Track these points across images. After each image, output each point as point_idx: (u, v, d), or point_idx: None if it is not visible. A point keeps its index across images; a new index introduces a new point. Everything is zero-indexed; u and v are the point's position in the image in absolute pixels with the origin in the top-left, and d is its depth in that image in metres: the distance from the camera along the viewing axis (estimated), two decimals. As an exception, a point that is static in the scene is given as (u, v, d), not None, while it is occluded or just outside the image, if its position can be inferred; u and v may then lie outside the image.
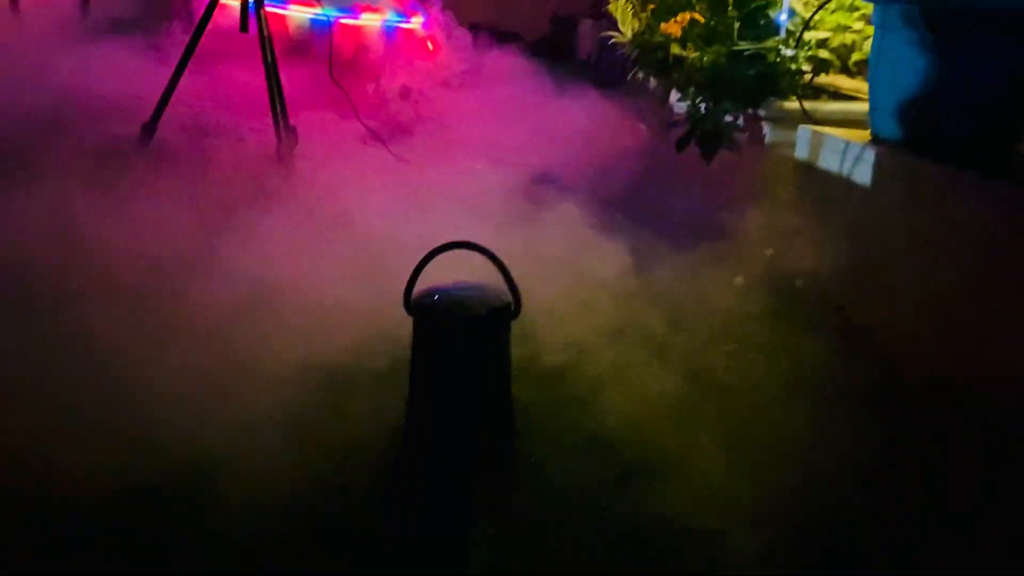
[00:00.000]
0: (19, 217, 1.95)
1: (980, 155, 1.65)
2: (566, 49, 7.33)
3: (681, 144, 2.24)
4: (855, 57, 2.46)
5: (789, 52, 2.15)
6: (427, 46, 5.14)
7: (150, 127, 2.76)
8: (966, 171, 1.58)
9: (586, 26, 7.18)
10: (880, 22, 1.85)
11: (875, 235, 1.79)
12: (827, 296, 1.88)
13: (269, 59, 2.76)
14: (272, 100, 2.75)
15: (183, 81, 2.76)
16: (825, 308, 1.87)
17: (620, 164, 2.63)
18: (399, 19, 4.85)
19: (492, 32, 7.55)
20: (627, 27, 2.74)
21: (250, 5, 2.79)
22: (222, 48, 3.23)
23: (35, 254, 1.78)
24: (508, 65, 5.67)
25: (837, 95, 2.39)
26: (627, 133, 3.21)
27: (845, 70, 2.61)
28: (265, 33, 2.78)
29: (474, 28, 7.64)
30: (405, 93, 4.33)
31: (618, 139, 3.06)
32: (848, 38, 2.40)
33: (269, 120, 2.73)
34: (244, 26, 2.80)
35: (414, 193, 2.53)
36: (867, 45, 2.49)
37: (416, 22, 4.96)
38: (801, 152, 2.07)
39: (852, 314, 1.83)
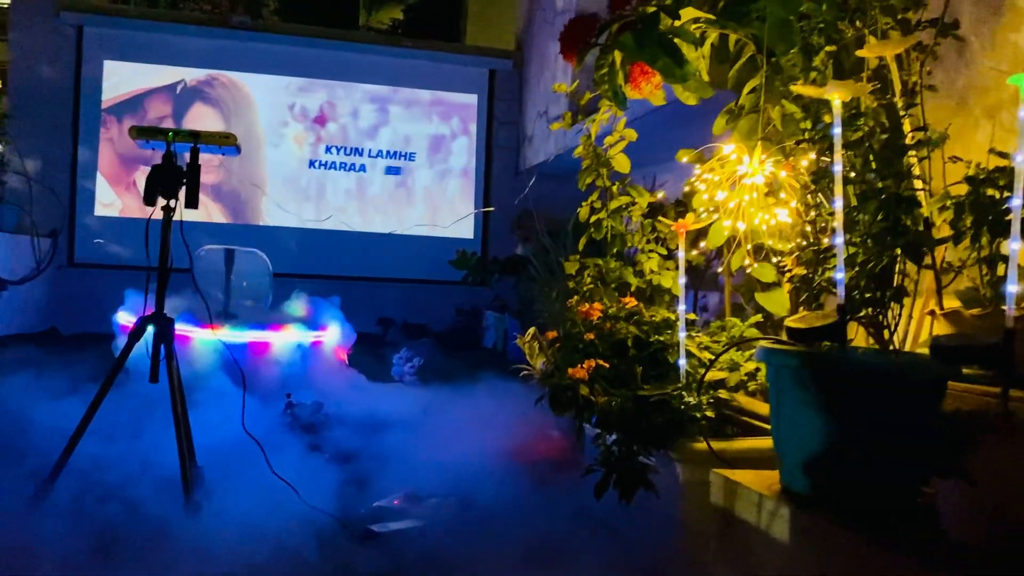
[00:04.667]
0: None
1: (882, 514, 1.72)
2: (472, 339, 7.62)
3: (600, 490, 2.27)
4: (752, 386, 2.61)
5: (692, 400, 2.27)
6: (339, 356, 5.24)
7: (46, 485, 2.64)
8: (870, 535, 1.63)
9: (491, 318, 7.53)
10: (774, 380, 1.98)
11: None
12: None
13: (179, 411, 2.73)
14: (180, 450, 2.68)
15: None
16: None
17: (539, 501, 2.64)
18: (310, 333, 4.96)
19: (401, 325, 7.82)
20: (535, 361, 2.87)
21: (161, 356, 2.79)
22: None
23: None
24: (419, 363, 5.81)
25: (745, 427, 2.49)
26: (540, 450, 3.24)
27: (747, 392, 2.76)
28: (175, 383, 2.77)
29: (383, 322, 7.91)
30: (317, 408, 4.33)
31: (535, 461, 3.08)
32: (742, 373, 2.55)
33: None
34: (155, 376, 2.79)
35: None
36: (762, 374, 2.66)
37: (327, 334, 5.08)
38: (716, 498, 2.11)
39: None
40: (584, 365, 2.44)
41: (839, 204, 1.79)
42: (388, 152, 8.01)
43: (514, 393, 3.99)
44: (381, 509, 2.80)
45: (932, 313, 2.19)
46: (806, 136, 2.25)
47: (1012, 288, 1.53)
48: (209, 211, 7.60)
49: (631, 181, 3.42)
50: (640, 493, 2.29)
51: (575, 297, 2.89)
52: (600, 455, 2.32)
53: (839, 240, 1.80)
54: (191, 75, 7.65)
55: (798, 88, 2.06)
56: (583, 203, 3.02)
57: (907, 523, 1.69)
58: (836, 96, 1.78)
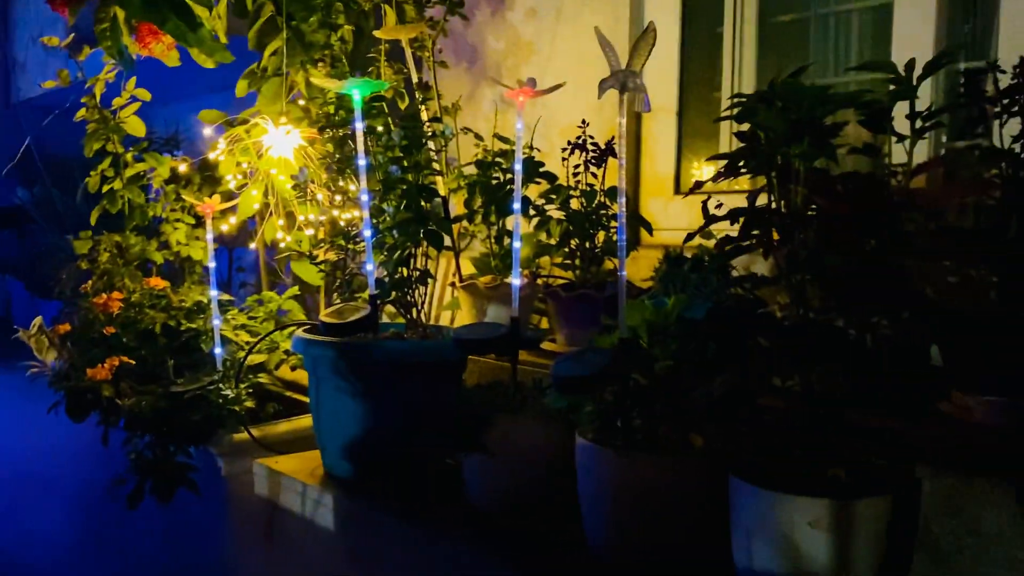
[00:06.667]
0: None
1: (418, 489, 1.85)
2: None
3: (134, 500, 2.08)
4: (293, 361, 2.58)
5: (230, 393, 2.18)
6: None
7: None
8: (402, 513, 1.74)
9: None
10: (312, 369, 1.99)
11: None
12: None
13: None
14: None
15: None
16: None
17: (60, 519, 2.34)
18: None
19: None
20: (46, 356, 2.50)
21: None
22: None
23: None
24: None
25: (288, 403, 2.47)
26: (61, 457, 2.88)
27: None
28: None
29: None
30: None
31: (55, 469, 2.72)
32: (282, 352, 2.51)
33: None
34: None
35: None
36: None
37: None
38: (261, 489, 2.08)
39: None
40: (106, 364, 2.19)
41: (365, 197, 1.82)
42: None
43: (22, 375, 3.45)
44: None
45: (453, 285, 2.37)
46: (331, 120, 2.23)
47: (516, 281, 1.71)
48: None
49: (152, 126, 3.11)
50: (187, 495, 2.16)
51: (91, 281, 2.56)
52: (132, 461, 2.12)
53: (367, 233, 1.84)
54: None
55: (319, 81, 2.03)
56: (92, 172, 2.67)
57: (439, 496, 1.84)
58: (356, 91, 1.79)
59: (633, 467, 1.44)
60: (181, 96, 5.04)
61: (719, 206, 1.42)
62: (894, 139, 1.30)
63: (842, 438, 1.28)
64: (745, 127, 1.32)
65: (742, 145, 1.30)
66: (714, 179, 1.33)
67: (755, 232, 1.29)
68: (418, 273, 2.03)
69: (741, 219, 1.28)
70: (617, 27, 2.76)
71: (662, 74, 2.71)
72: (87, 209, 2.93)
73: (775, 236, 1.31)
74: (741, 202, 1.37)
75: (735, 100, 1.35)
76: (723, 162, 1.28)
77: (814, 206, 1.25)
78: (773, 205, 1.30)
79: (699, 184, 1.36)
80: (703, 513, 1.41)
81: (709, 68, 2.72)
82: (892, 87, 1.21)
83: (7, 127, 6.59)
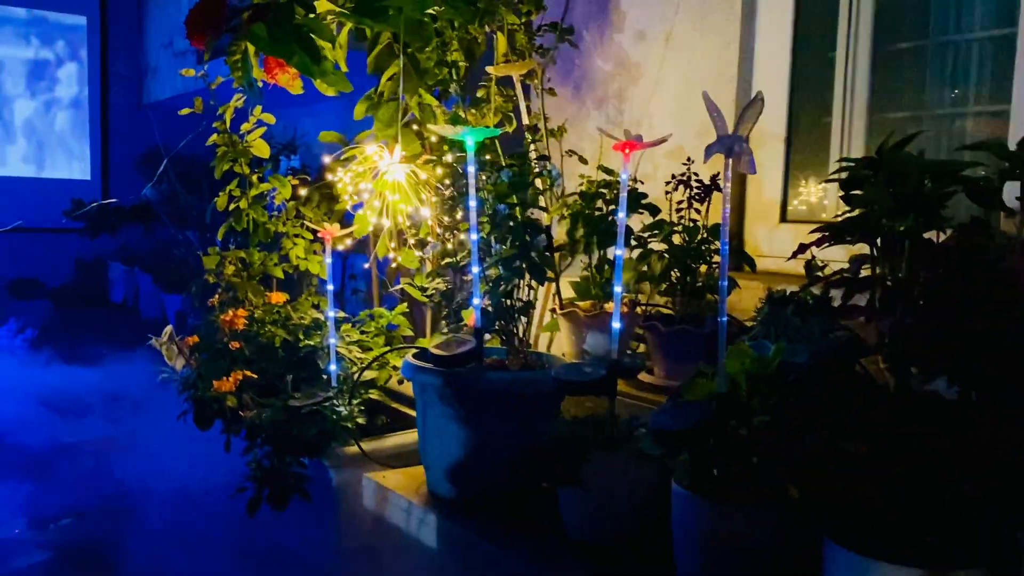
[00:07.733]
0: None
1: (518, 515, 1.93)
2: (97, 295, 6.91)
3: (252, 507, 2.24)
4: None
5: (343, 409, 2.31)
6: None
7: None
8: (502, 539, 1.82)
9: (118, 270, 6.88)
10: (420, 394, 2.09)
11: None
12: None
13: None
14: None
15: None
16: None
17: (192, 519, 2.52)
18: None
19: (10, 283, 6.84)
20: (175, 362, 2.70)
21: None
22: None
23: None
24: (32, 335, 5.17)
25: (395, 415, 2.59)
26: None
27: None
28: None
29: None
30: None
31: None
32: (391, 368, 2.64)
33: None
34: None
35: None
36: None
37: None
38: (368, 503, 2.20)
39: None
40: (231, 377, 2.36)
41: (475, 236, 1.91)
42: (-26, 79, 6.80)
43: (152, 377, 3.70)
44: None
45: (553, 311, 2.44)
46: (442, 158, 2.33)
47: (616, 325, 1.76)
48: None
49: (270, 131, 3.27)
50: (301, 504, 2.30)
51: (217, 295, 2.75)
52: (251, 470, 2.28)
53: (475, 269, 1.92)
54: None
55: (435, 128, 2.13)
56: (221, 192, 2.86)
57: (536, 524, 1.91)
58: (469, 137, 1.87)
59: (728, 516, 1.48)
60: (298, 100, 5.26)
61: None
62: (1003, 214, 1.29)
63: (940, 504, 1.29)
64: (851, 189, 1.34)
65: (847, 212, 1.31)
66: (817, 244, 1.35)
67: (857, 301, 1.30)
68: (520, 303, 2.11)
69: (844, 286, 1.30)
70: (727, 51, 2.77)
71: (771, 98, 2.68)
72: (212, 211, 3.10)
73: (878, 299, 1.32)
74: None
75: (841, 164, 1.36)
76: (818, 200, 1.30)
77: (919, 276, 1.26)
78: (877, 271, 1.31)
79: (803, 248, 1.38)
80: (795, 565, 1.43)
81: (819, 93, 2.69)
82: (1004, 164, 1.20)
83: (140, 126, 7.03)
